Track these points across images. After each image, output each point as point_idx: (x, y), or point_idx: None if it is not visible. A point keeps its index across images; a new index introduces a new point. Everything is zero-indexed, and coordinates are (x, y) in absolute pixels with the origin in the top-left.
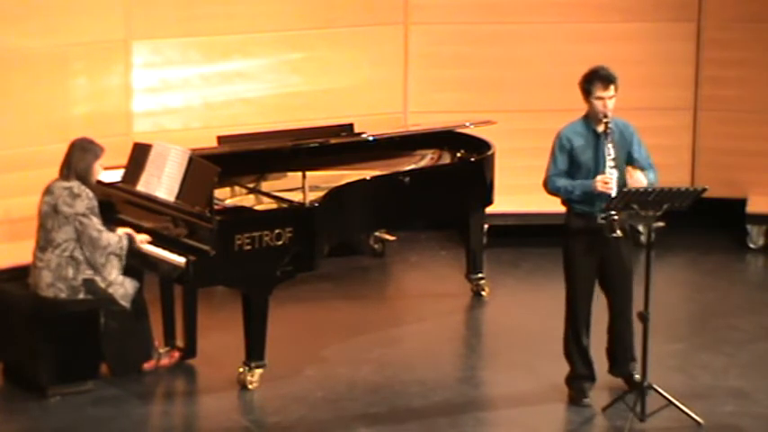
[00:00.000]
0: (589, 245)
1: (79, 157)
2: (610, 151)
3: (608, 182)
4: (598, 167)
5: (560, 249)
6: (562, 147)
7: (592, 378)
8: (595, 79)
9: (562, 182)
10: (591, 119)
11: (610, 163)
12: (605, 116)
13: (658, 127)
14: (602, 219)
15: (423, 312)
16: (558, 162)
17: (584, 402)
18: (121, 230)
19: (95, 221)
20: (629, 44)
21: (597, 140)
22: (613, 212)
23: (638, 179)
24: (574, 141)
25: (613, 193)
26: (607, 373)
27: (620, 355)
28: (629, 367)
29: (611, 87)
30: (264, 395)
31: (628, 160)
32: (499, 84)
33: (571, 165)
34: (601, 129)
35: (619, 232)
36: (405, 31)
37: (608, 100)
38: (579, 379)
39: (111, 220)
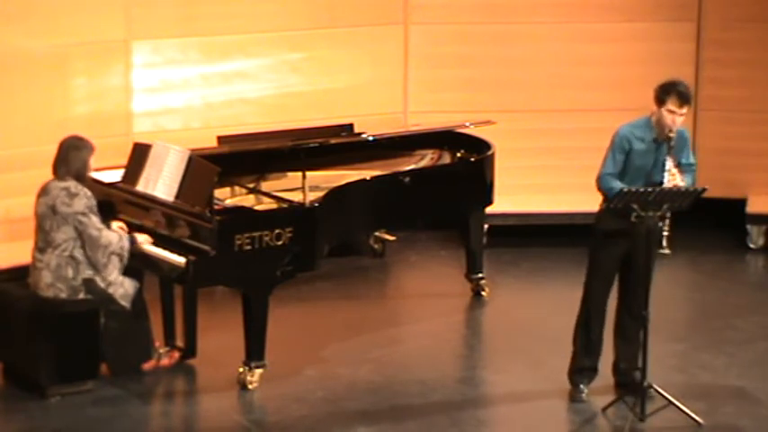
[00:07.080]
0: (618, 237)
1: (75, 156)
2: (668, 164)
3: None
4: (653, 174)
5: (560, 249)
6: (621, 148)
7: (593, 369)
8: (673, 93)
9: (618, 184)
10: (655, 125)
11: (666, 174)
12: (671, 131)
13: None
14: (635, 218)
15: (423, 312)
16: (616, 161)
17: (578, 398)
18: (116, 224)
19: (94, 220)
20: (629, 44)
21: (657, 148)
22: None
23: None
24: (634, 144)
25: None
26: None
27: (621, 355)
28: (632, 374)
29: (686, 107)
30: (264, 395)
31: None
32: (499, 84)
33: (623, 165)
34: (663, 139)
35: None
36: (405, 31)
37: (678, 116)
38: (578, 372)
39: (110, 221)
